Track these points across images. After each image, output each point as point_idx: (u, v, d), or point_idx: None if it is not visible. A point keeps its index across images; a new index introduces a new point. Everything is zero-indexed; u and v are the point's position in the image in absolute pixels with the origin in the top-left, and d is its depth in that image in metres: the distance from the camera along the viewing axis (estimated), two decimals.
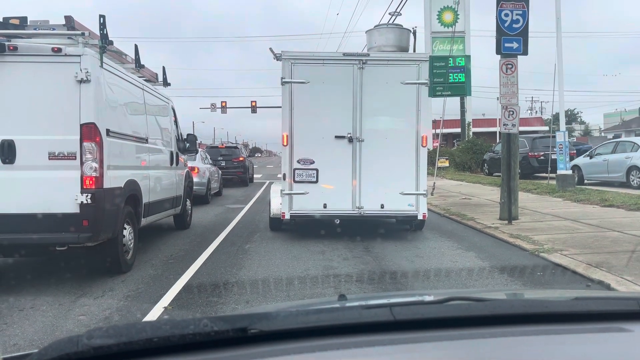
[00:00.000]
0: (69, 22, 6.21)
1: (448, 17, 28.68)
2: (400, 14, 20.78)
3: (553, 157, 16.90)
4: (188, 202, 10.24)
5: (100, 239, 5.85)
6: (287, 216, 8.51)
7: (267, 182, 22.59)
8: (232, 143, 32.86)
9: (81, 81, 5.66)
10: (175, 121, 9.84)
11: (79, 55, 5.71)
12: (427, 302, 1.49)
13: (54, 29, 6.15)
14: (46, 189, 5.65)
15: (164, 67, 9.53)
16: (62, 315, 4.86)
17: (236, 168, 21.69)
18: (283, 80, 8.47)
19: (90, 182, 5.66)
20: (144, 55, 7.85)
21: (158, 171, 8.22)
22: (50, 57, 5.69)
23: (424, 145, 8.51)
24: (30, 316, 4.84)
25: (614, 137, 41.43)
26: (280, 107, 8.73)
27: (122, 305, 5.21)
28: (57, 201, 5.61)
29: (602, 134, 63.87)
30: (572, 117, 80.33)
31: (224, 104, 42.71)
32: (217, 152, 21.96)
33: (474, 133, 34.11)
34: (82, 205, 5.61)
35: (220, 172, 18.41)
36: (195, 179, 12.59)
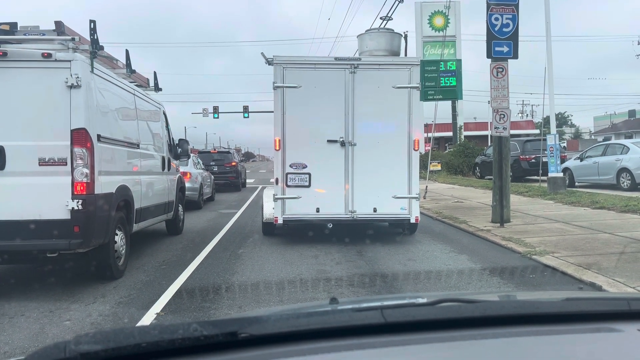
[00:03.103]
0: (59, 27, 6.16)
1: (439, 21, 28.82)
2: (392, 19, 20.88)
3: (544, 159, 17.01)
4: (180, 208, 10.20)
5: (91, 245, 5.81)
6: (280, 221, 8.49)
7: (260, 186, 22.55)
8: (225, 148, 32.75)
9: (72, 86, 5.63)
10: (167, 126, 9.81)
11: (70, 61, 5.68)
12: (418, 305, 1.48)
13: (44, 35, 6.11)
14: (37, 195, 5.60)
15: (155, 72, 9.50)
16: (52, 323, 4.82)
17: (228, 173, 21.64)
18: (275, 84, 8.46)
19: (81, 188, 5.62)
20: (135, 61, 7.82)
21: (150, 176, 8.18)
22: (41, 63, 5.66)
23: (416, 148, 8.53)
24: (21, 324, 4.79)
25: (604, 140, 41.79)
26: (272, 111, 8.72)
27: (114, 311, 5.17)
28: (48, 207, 5.57)
29: (592, 137, 64.39)
30: (562, 120, 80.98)
31: (216, 109, 42.62)
32: (210, 157, 21.91)
33: (465, 136, 34.31)
34: (73, 211, 5.57)
35: (212, 177, 18.38)
36: (187, 184, 12.55)
